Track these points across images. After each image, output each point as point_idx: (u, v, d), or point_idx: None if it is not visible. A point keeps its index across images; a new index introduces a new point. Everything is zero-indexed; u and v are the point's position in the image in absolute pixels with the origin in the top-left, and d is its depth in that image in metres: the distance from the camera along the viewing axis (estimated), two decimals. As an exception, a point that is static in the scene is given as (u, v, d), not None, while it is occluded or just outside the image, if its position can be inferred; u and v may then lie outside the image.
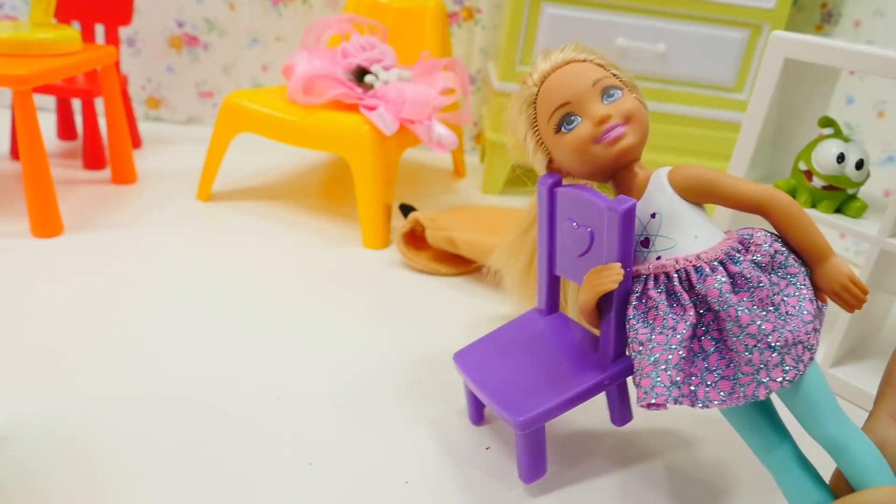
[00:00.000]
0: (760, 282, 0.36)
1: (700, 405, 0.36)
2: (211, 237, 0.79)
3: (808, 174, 0.63)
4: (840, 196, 0.62)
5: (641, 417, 0.52)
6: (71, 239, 0.74)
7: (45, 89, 0.91)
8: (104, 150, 0.97)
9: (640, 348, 0.38)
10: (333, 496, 0.43)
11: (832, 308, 0.39)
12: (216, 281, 0.69)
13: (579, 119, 0.41)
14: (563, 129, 0.41)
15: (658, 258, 0.39)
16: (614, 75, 0.42)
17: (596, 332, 0.43)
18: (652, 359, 0.37)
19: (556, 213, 0.45)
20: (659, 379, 0.36)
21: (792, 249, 0.38)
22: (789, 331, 0.35)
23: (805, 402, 0.36)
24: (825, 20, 1.04)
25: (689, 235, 0.39)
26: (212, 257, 0.74)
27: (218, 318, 0.62)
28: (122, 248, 0.74)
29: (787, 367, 0.34)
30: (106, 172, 0.96)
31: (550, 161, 0.44)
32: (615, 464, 0.49)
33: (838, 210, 0.63)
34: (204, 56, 1.19)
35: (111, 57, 0.84)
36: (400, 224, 0.79)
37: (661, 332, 0.37)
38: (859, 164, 0.61)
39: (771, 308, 0.36)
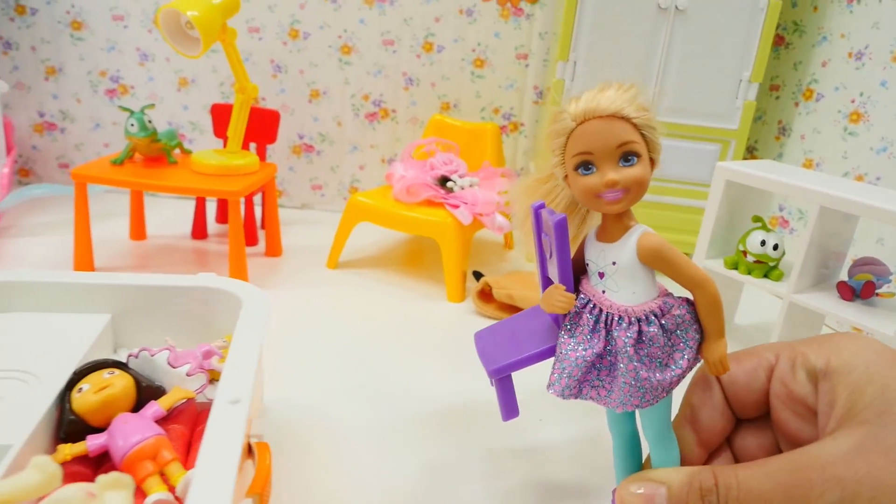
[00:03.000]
0: (658, 342, 0.45)
1: (582, 399, 0.48)
2: (343, 294, 1.16)
3: (745, 253, 0.97)
4: (765, 267, 0.96)
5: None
6: (256, 295, 1.11)
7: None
8: (257, 230, 1.36)
9: (559, 353, 0.47)
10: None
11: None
12: (352, 323, 1.04)
13: (595, 170, 0.44)
14: (579, 171, 0.45)
15: (603, 292, 0.47)
16: (644, 137, 0.44)
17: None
18: (562, 365, 0.47)
19: (541, 230, 0.53)
20: (561, 380, 0.47)
21: (699, 322, 0.46)
22: (658, 380, 0.45)
23: (647, 415, 0.47)
24: (781, 133, 1.39)
25: (629, 290, 0.45)
26: (347, 307, 1.10)
27: (361, 347, 0.97)
28: (290, 300, 1.10)
29: (646, 400, 0.45)
30: (258, 248, 1.34)
31: (566, 176, 0.48)
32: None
33: (766, 276, 0.97)
34: (317, 159, 1.59)
35: (274, 171, 1.24)
36: (474, 285, 1.15)
37: (574, 349, 0.47)
38: (776, 247, 0.95)
39: (656, 362, 0.45)
